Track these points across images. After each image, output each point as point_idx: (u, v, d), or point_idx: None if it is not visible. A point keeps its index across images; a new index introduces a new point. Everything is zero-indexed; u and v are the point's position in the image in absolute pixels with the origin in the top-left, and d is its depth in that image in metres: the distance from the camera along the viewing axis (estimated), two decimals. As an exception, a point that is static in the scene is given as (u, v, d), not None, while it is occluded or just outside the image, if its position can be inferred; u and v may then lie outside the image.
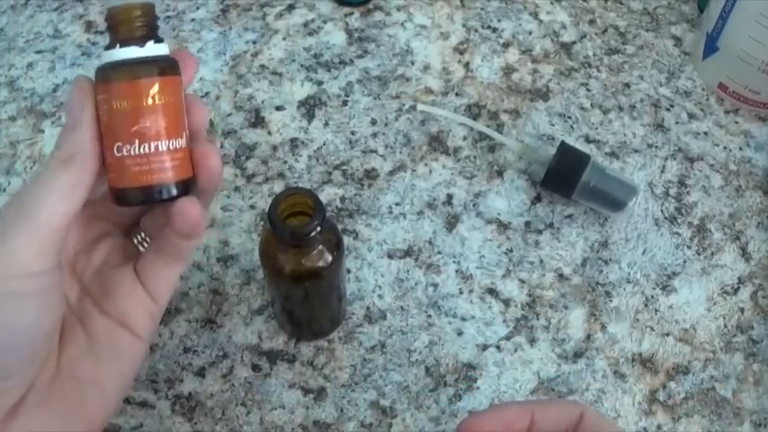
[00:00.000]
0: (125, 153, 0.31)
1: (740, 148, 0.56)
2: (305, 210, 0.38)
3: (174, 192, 0.32)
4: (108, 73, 0.31)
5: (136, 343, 0.35)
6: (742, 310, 0.49)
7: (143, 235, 0.37)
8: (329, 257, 0.39)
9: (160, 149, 0.31)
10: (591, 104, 0.57)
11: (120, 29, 0.31)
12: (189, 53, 0.34)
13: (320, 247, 0.39)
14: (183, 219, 0.32)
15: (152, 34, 0.32)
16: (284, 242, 0.38)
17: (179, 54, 0.33)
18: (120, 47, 0.31)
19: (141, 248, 0.37)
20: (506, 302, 0.48)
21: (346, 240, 0.49)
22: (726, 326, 0.48)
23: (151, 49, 0.32)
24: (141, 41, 0.31)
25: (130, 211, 0.37)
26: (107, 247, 0.36)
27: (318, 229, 0.37)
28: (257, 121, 0.55)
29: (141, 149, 0.31)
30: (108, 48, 0.32)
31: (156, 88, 0.31)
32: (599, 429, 0.32)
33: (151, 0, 0.32)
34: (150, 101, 0.31)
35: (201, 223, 0.33)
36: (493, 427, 0.32)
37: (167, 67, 0.32)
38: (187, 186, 0.32)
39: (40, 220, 0.30)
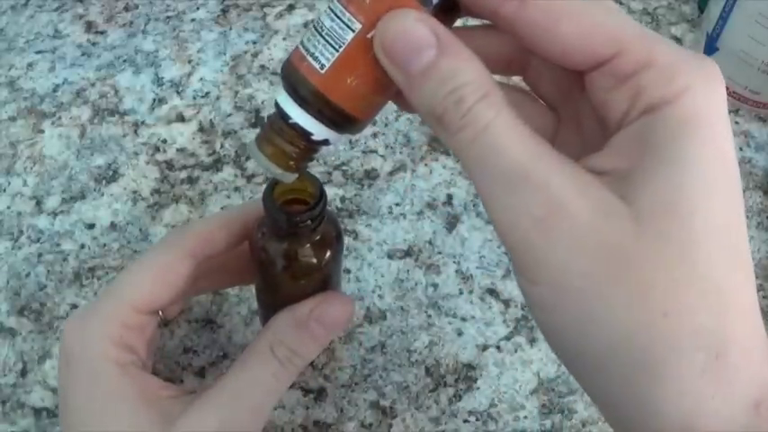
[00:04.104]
0: None
1: (740, 149, 0.56)
2: (304, 197, 0.34)
3: None
4: None
5: None
6: (742, 310, 0.49)
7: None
8: (327, 251, 0.36)
9: None
10: (591, 105, 0.57)
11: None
12: None
13: (318, 238, 0.35)
14: None
15: None
16: (278, 230, 0.34)
17: None
18: None
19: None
20: (506, 303, 0.48)
21: (346, 241, 0.49)
22: (726, 326, 0.48)
23: None
24: None
25: None
26: None
27: (317, 216, 0.33)
28: (257, 121, 0.55)
29: None
30: None
31: None
32: None
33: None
34: None
35: None
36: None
37: None
38: None
39: None
